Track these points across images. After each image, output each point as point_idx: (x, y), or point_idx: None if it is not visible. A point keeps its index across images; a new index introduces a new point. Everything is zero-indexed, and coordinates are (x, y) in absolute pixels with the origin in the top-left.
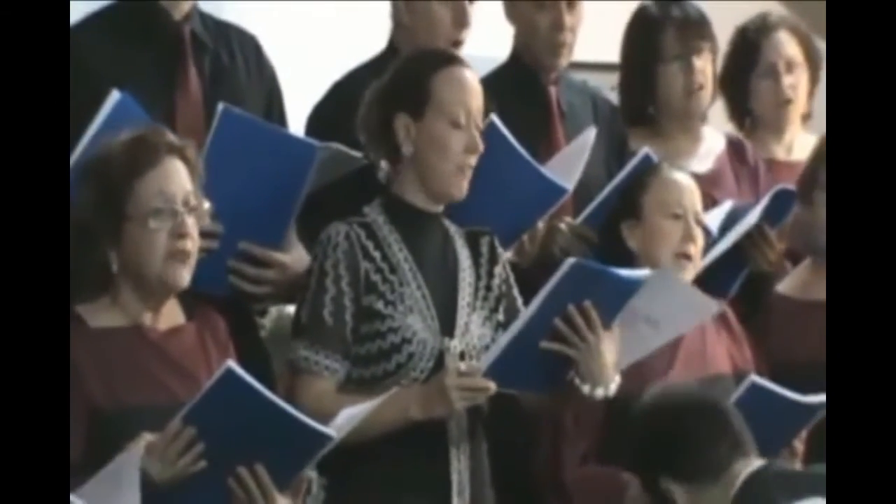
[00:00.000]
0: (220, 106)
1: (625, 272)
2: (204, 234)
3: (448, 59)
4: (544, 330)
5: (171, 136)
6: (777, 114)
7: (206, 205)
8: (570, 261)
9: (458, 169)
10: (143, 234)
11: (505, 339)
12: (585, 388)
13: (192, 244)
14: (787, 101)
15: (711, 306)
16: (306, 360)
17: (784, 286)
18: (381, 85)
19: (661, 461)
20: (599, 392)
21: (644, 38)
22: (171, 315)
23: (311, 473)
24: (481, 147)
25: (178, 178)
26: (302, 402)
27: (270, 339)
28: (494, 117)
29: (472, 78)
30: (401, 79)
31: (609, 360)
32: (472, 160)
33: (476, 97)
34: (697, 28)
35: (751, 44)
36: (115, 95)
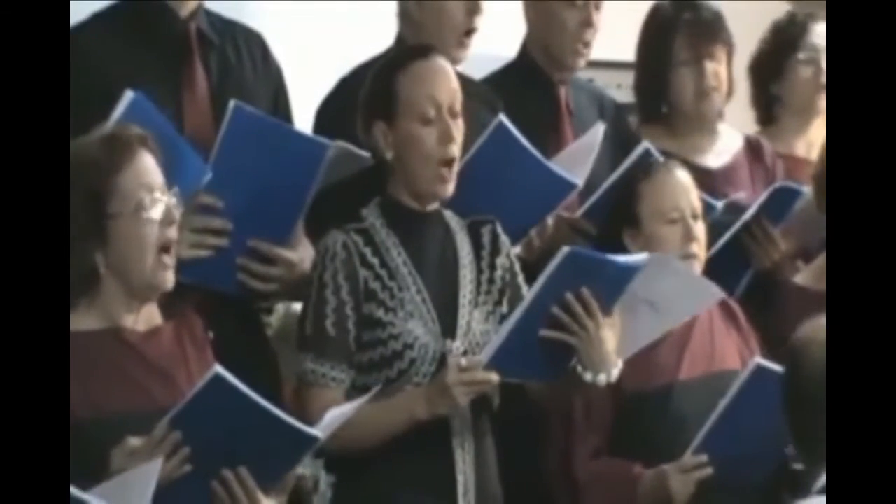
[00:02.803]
0: (232, 103)
1: (621, 258)
2: (213, 231)
3: (411, 55)
4: (544, 318)
5: (138, 129)
6: (810, 102)
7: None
8: (566, 249)
9: (440, 166)
10: (134, 228)
11: (504, 329)
12: (587, 376)
13: (177, 234)
14: (823, 88)
15: (714, 292)
16: (313, 373)
17: (800, 277)
18: (361, 95)
19: None
20: (602, 379)
21: (656, 41)
22: (150, 316)
23: (319, 471)
24: (457, 135)
25: (154, 169)
26: (312, 414)
27: (277, 337)
28: (502, 116)
29: (439, 67)
30: (371, 87)
31: (610, 346)
32: (453, 150)
33: (445, 84)
34: (710, 31)
35: (799, 26)
36: (128, 95)
